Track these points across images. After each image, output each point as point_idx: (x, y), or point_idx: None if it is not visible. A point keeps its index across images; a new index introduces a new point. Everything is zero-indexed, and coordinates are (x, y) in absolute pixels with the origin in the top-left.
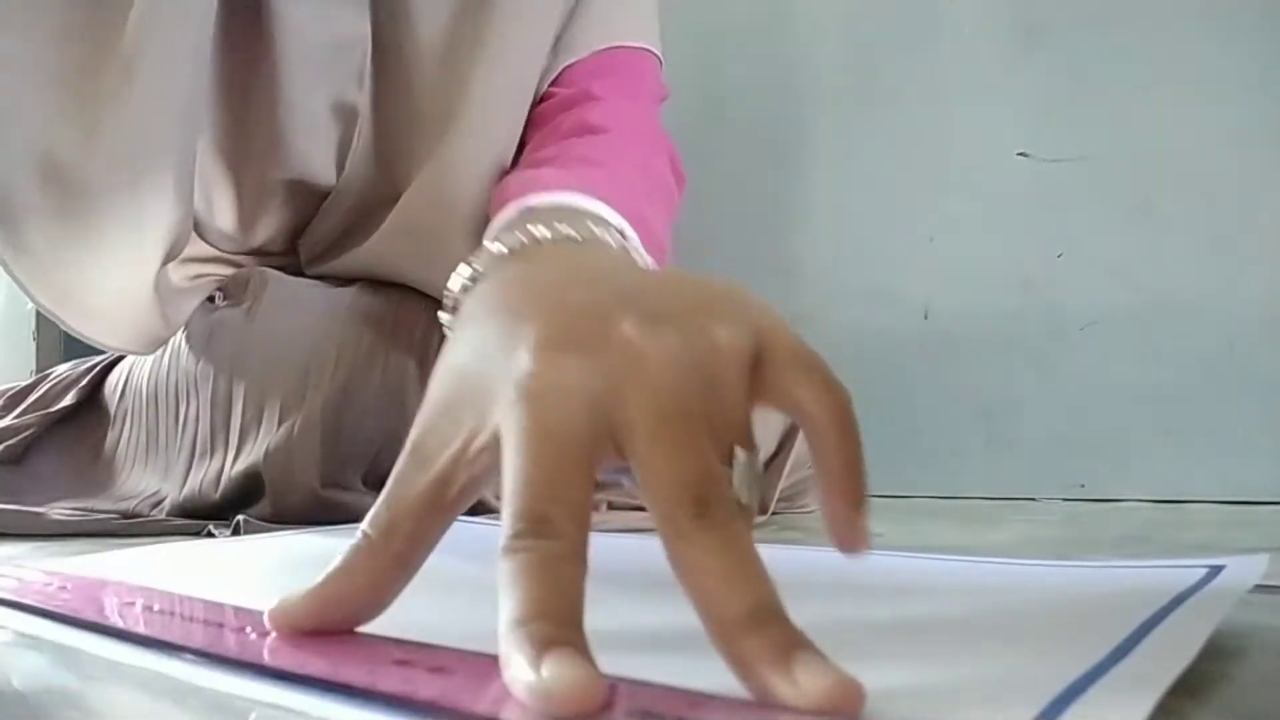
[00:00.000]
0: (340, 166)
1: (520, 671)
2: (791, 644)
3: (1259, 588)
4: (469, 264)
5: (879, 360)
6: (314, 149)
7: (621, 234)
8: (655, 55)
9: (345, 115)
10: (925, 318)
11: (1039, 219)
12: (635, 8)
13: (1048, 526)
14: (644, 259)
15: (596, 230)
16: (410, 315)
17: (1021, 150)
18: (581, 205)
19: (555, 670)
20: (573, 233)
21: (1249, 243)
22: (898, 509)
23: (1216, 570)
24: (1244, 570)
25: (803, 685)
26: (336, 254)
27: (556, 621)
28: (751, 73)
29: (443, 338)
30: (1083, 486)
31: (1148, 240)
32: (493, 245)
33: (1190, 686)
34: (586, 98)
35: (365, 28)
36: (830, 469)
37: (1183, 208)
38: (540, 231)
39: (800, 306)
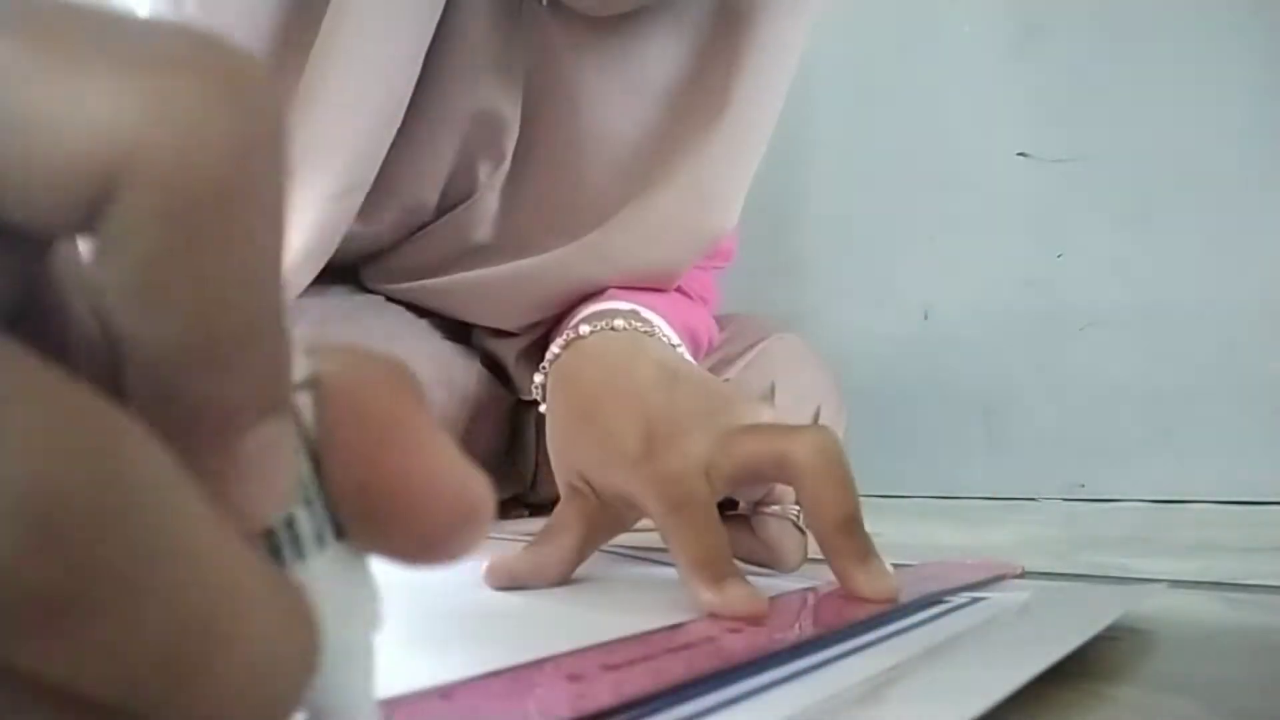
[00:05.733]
0: (441, 213)
1: (709, 595)
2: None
3: (1264, 588)
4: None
5: (879, 360)
6: (423, 193)
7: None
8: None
9: (465, 181)
10: (925, 318)
11: (1039, 219)
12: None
13: (1048, 526)
14: (673, 339)
15: (633, 323)
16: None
17: (1021, 150)
18: (623, 307)
19: (734, 590)
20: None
21: (1249, 243)
22: (898, 509)
23: (975, 600)
24: (999, 604)
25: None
26: (410, 277)
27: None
28: None
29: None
30: (1083, 486)
31: (1148, 240)
32: (554, 344)
33: (1190, 686)
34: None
35: (515, 110)
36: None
37: (1183, 208)
38: (584, 329)
39: (800, 306)
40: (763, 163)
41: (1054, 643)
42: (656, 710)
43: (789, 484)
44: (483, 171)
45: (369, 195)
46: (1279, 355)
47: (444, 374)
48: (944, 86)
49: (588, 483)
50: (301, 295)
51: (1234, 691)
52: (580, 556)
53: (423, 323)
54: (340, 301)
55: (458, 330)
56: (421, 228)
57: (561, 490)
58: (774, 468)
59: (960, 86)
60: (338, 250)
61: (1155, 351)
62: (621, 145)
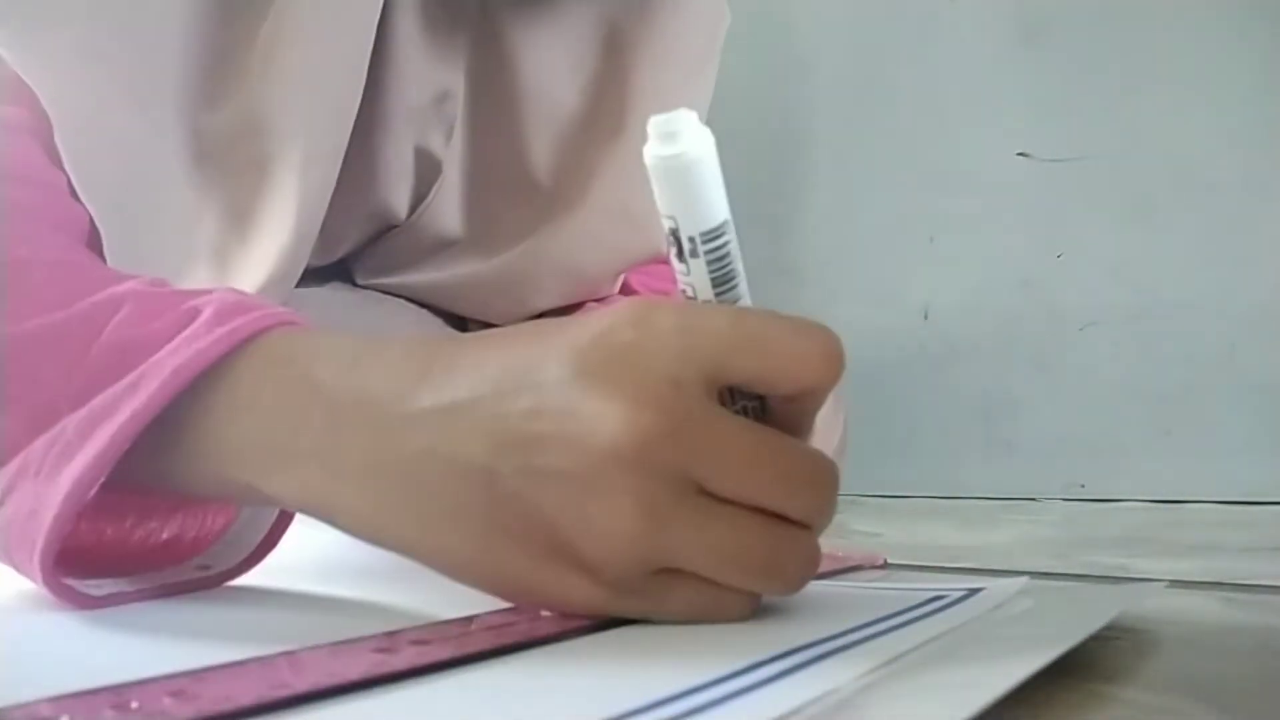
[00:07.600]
0: (413, 208)
1: None
2: None
3: (1265, 588)
4: None
5: (879, 360)
6: (394, 192)
7: None
8: None
9: (428, 164)
10: (925, 318)
11: (1039, 219)
12: None
13: (1047, 527)
14: None
15: None
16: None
17: (1021, 150)
18: None
19: None
20: None
21: (1249, 243)
22: (898, 509)
23: (973, 592)
24: (995, 595)
25: None
26: (393, 273)
27: None
28: (751, 73)
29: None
30: (1083, 486)
31: (1148, 240)
32: None
33: (1190, 686)
34: None
35: (460, 80)
36: None
37: (1183, 208)
38: None
39: (800, 306)
40: (763, 163)
41: (1053, 642)
42: (641, 712)
43: None
44: (436, 145)
45: (334, 216)
46: (1279, 355)
47: None
48: (944, 86)
49: None
50: (300, 287)
51: (1234, 691)
52: None
53: (425, 313)
54: (344, 294)
55: (454, 323)
56: (391, 229)
57: None
58: None
59: (960, 86)
60: (317, 253)
61: (1155, 351)
62: (560, 106)
